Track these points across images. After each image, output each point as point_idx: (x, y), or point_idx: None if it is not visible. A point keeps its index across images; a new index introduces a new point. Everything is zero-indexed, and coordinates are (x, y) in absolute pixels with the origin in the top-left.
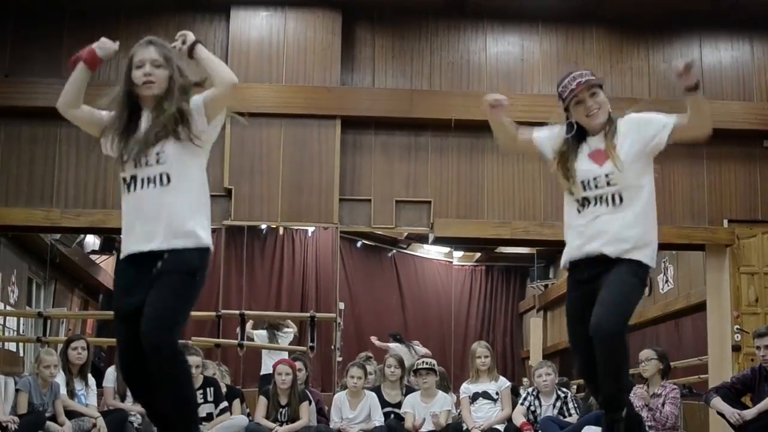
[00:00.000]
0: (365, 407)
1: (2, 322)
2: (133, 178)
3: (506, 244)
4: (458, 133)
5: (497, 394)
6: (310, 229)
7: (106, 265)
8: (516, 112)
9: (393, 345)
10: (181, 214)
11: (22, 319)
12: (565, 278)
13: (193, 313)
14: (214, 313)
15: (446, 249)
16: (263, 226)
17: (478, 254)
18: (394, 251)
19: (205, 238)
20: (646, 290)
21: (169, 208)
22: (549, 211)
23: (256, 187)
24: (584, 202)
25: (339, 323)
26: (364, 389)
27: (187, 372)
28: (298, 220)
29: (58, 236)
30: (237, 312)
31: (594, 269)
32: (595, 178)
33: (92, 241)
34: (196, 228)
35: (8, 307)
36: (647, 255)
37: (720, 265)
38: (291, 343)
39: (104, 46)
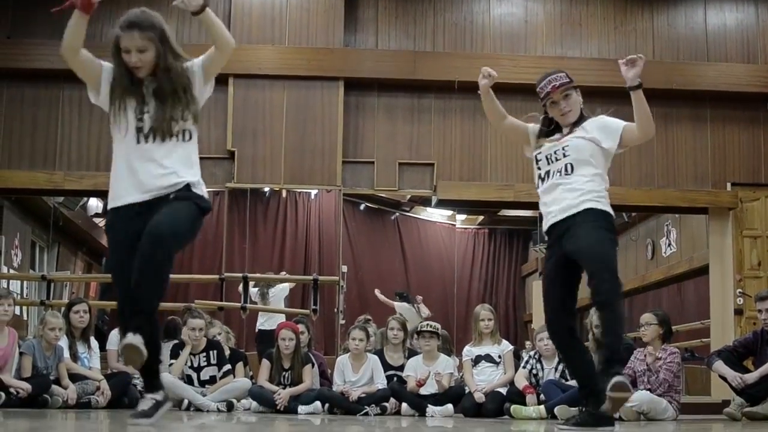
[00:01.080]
0: (368, 370)
1: (6, 286)
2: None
3: (509, 207)
4: (461, 95)
5: (500, 357)
6: (313, 192)
7: None
8: (519, 74)
9: (398, 304)
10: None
11: (25, 282)
12: None
13: (196, 276)
14: (217, 276)
15: (449, 212)
16: (266, 189)
17: (481, 217)
18: (397, 214)
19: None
20: (649, 253)
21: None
22: None
23: (259, 150)
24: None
25: (342, 286)
26: (366, 352)
27: (167, 274)
28: (301, 182)
29: (61, 199)
30: (240, 275)
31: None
32: (555, 152)
33: (95, 204)
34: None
35: (12, 271)
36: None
37: (723, 228)
38: (287, 297)
39: None
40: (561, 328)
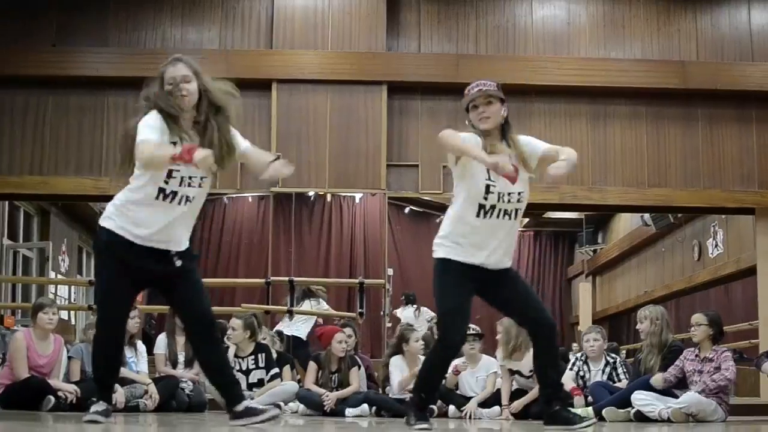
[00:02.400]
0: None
1: (54, 291)
2: (174, 192)
3: (554, 209)
4: (505, 97)
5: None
6: (358, 196)
7: None
8: (563, 76)
9: (403, 313)
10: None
11: (73, 287)
12: (614, 243)
13: (242, 280)
14: (263, 280)
15: None
16: (311, 193)
17: (527, 219)
18: (442, 217)
19: None
20: (696, 254)
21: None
22: (597, 176)
23: (304, 154)
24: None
25: (388, 289)
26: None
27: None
28: (345, 186)
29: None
30: (286, 279)
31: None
32: (509, 193)
33: None
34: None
35: (59, 276)
36: None
37: None
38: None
39: (206, 161)
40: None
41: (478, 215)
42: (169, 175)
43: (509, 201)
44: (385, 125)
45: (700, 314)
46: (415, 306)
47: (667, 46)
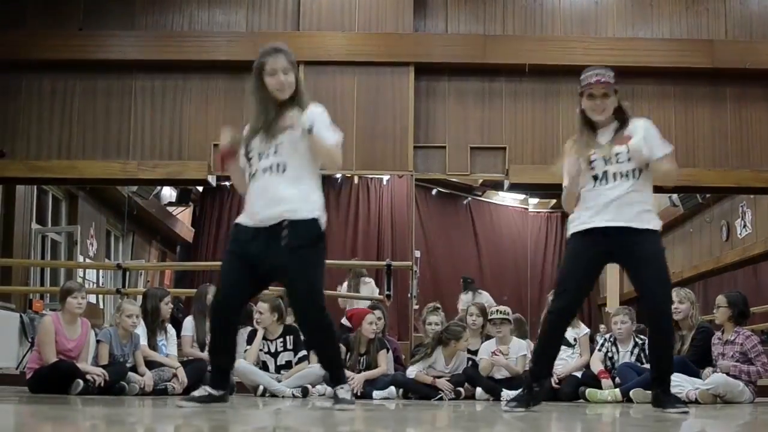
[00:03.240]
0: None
1: (82, 275)
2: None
3: None
4: (532, 78)
5: (575, 340)
6: (385, 177)
7: (183, 216)
8: (590, 56)
9: (463, 298)
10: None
11: (101, 271)
12: None
13: None
14: None
15: (522, 196)
16: (338, 175)
17: (554, 201)
18: (470, 198)
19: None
20: (724, 235)
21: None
22: None
23: None
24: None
25: (415, 271)
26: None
27: None
28: (372, 168)
29: (135, 188)
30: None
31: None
32: (616, 154)
33: (169, 192)
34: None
35: (88, 260)
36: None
37: None
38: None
39: (224, 142)
40: (570, 312)
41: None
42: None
43: (618, 162)
44: (412, 106)
45: (721, 296)
46: (472, 291)
47: (695, 25)
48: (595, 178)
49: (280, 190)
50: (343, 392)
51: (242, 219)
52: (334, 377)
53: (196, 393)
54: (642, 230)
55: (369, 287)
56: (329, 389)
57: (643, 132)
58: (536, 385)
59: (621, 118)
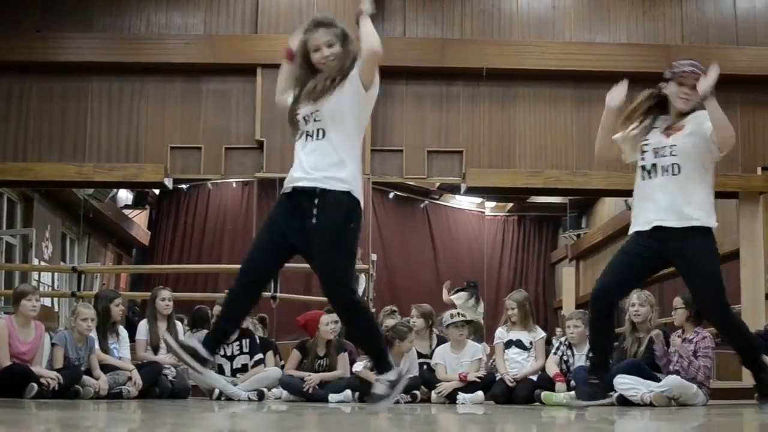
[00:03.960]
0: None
1: (37, 278)
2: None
3: (538, 194)
4: (490, 82)
5: (531, 344)
6: None
7: (139, 219)
8: (548, 60)
9: (457, 295)
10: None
11: (56, 274)
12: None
13: (226, 266)
14: None
15: (478, 199)
16: None
17: (511, 204)
18: (427, 202)
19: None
20: None
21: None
22: (581, 161)
23: (288, 139)
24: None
25: (372, 274)
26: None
27: None
28: None
29: (91, 191)
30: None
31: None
32: (663, 147)
33: (125, 195)
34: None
35: (43, 263)
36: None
37: (753, 212)
38: None
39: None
40: (607, 298)
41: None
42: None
43: (663, 155)
44: None
45: (678, 297)
46: (472, 291)
47: (652, 30)
48: (643, 168)
49: (316, 159)
50: (378, 386)
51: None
52: (375, 365)
53: (186, 341)
54: (687, 228)
55: None
56: (285, 392)
57: (698, 122)
58: (593, 378)
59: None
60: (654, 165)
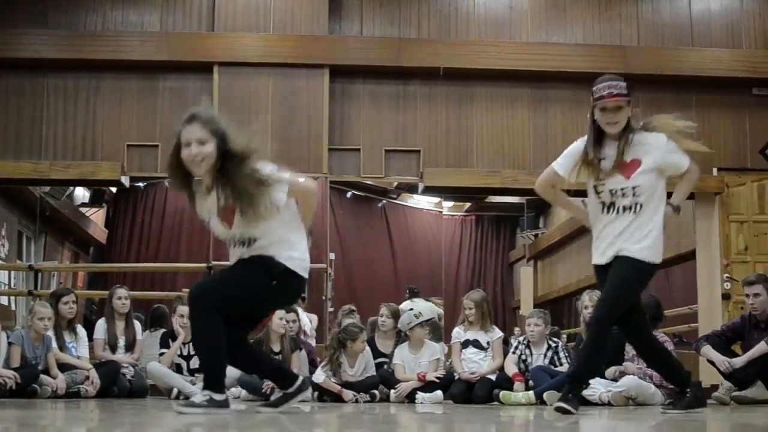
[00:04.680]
0: (362, 362)
1: None
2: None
3: (496, 194)
4: (447, 81)
5: (488, 344)
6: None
7: (96, 217)
8: (504, 60)
9: (425, 305)
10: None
11: (13, 272)
12: (556, 227)
13: (184, 265)
14: (205, 265)
15: (436, 199)
16: None
17: (468, 204)
18: (384, 201)
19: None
20: None
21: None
22: (539, 161)
23: None
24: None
25: (330, 274)
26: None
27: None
28: (287, 170)
29: (47, 189)
30: (228, 263)
31: None
32: (622, 189)
33: (82, 193)
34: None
35: None
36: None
37: (709, 213)
38: None
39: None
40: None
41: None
42: None
43: (624, 195)
44: (327, 109)
45: None
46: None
47: (608, 31)
48: (603, 204)
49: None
50: (200, 396)
51: None
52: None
53: (195, 399)
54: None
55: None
56: (243, 392)
57: (657, 156)
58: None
59: (628, 128)
60: (613, 204)
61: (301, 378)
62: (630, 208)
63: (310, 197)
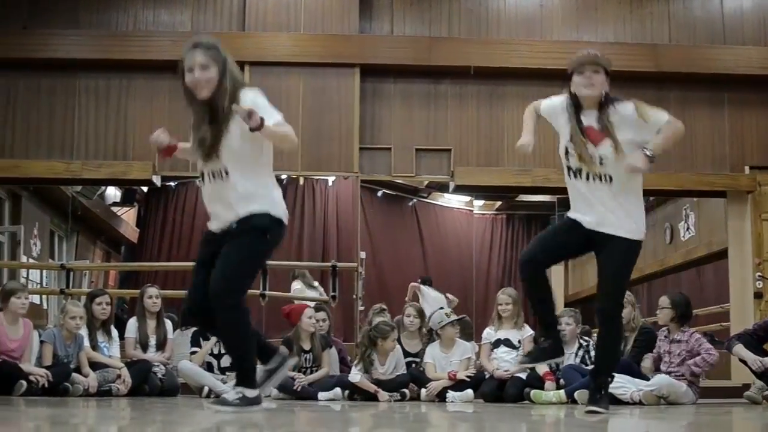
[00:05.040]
0: (393, 360)
1: (26, 275)
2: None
3: (527, 192)
4: (477, 80)
5: (519, 342)
6: (331, 179)
7: (128, 217)
8: (535, 59)
9: (435, 294)
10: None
11: (45, 271)
12: None
13: None
14: None
15: (467, 198)
16: (283, 176)
17: (499, 203)
18: (415, 200)
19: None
20: (667, 237)
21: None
22: None
23: None
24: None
25: (360, 273)
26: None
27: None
28: (318, 169)
29: (79, 188)
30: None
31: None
32: (591, 155)
33: (113, 192)
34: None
35: (31, 260)
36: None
37: (741, 212)
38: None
39: (157, 141)
40: (538, 263)
41: (568, 176)
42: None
43: (592, 162)
44: (357, 108)
45: (664, 297)
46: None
47: (639, 29)
48: (569, 169)
49: (229, 197)
50: (233, 394)
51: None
52: (238, 376)
53: (228, 397)
54: (613, 236)
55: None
56: (274, 390)
57: (629, 126)
58: (543, 341)
59: (605, 102)
60: (579, 170)
61: (280, 353)
62: (600, 178)
63: (289, 143)
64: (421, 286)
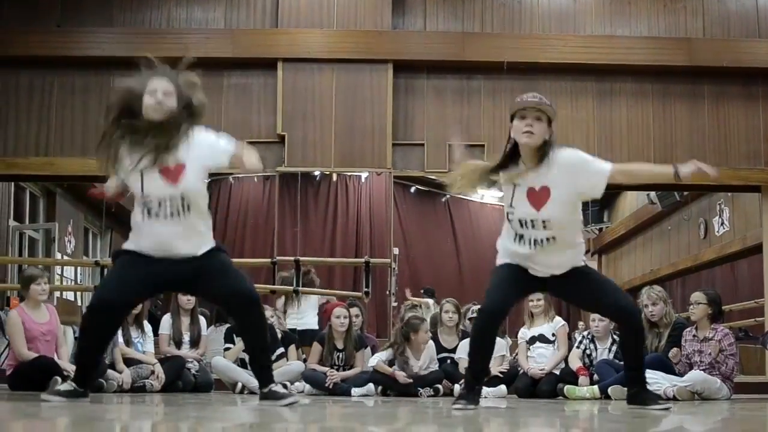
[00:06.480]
0: (427, 355)
1: (60, 272)
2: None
3: None
4: (511, 75)
5: (553, 335)
6: (364, 175)
7: None
8: (569, 53)
9: (428, 301)
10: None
11: (79, 268)
12: (620, 221)
13: (248, 260)
14: (269, 260)
15: (500, 193)
16: (317, 173)
17: None
18: (448, 196)
19: None
20: (701, 232)
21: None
22: (603, 154)
23: (309, 134)
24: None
25: (393, 268)
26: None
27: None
28: (351, 165)
29: None
30: (292, 258)
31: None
32: (532, 221)
33: None
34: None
35: (65, 257)
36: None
37: None
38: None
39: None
40: (504, 313)
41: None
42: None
43: (534, 227)
44: (390, 104)
45: (699, 293)
46: (434, 298)
47: (673, 23)
48: (515, 233)
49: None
50: (279, 387)
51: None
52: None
53: (61, 387)
54: (572, 269)
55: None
56: (307, 386)
57: (571, 175)
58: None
59: (545, 152)
60: (522, 236)
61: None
62: (545, 241)
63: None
64: (429, 301)
